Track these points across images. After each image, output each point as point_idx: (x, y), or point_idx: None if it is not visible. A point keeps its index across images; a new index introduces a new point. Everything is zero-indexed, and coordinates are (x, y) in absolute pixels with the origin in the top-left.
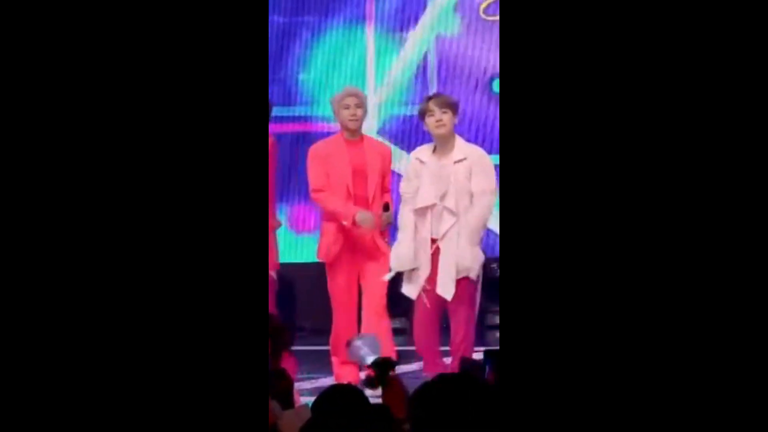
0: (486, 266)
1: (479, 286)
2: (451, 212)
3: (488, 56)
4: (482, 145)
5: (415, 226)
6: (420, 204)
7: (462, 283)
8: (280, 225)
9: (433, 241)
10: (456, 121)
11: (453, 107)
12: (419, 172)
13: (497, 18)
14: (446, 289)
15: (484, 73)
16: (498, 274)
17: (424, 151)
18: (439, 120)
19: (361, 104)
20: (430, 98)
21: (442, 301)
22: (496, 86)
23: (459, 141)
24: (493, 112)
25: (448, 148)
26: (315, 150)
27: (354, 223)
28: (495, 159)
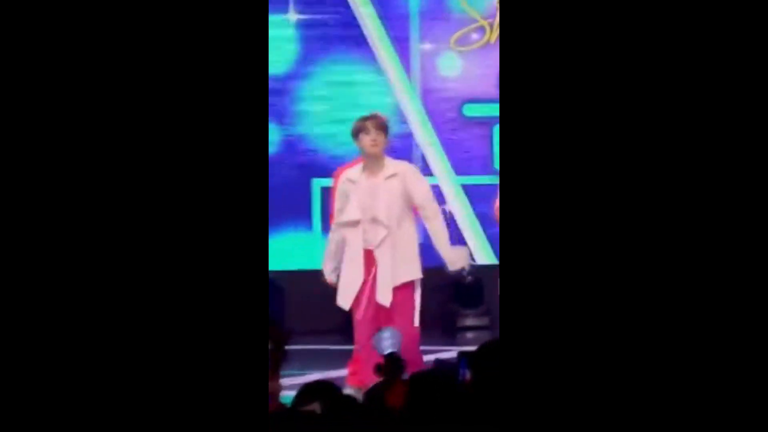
0: (457, 273)
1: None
2: (383, 224)
3: (460, 82)
4: (454, 166)
5: (345, 240)
6: (345, 218)
7: (399, 290)
8: None
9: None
10: (388, 142)
11: (386, 129)
12: (348, 191)
13: (468, 48)
14: (384, 297)
15: (456, 98)
16: (469, 280)
17: (353, 171)
18: (374, 140)
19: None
20: (367, 118)
21: (376, 312)
22: (467, 111)
23: (388, 159)
24: (465, 135)
25: (378, 167)
26: (339, 174)
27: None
28: (475, 180)
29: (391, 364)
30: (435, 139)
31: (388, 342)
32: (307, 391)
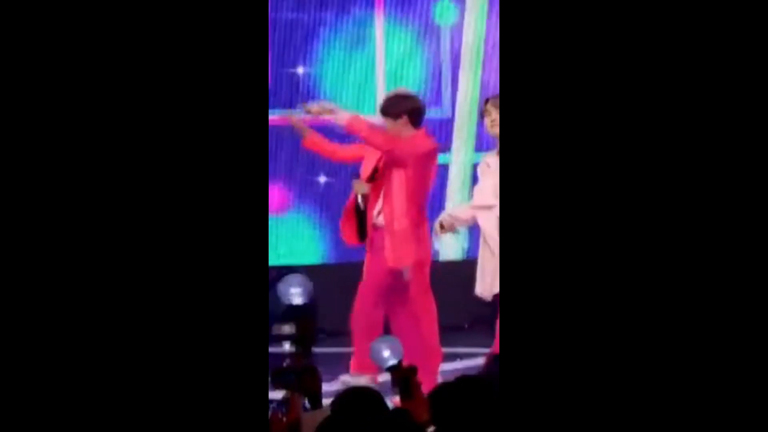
0: None
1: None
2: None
3: None
4: None
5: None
6: (477, 202)
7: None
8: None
9: None
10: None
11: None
12: (484, 173)
13: None
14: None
15: None
16: None
17: (492, 155)
18: (494, 120)
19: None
20: (488, 99)
21: None
22: None
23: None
24: None
25: None
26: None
27: None
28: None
29: (400, 376)
30: None
31: (386, 353)
32: (344, 400)
